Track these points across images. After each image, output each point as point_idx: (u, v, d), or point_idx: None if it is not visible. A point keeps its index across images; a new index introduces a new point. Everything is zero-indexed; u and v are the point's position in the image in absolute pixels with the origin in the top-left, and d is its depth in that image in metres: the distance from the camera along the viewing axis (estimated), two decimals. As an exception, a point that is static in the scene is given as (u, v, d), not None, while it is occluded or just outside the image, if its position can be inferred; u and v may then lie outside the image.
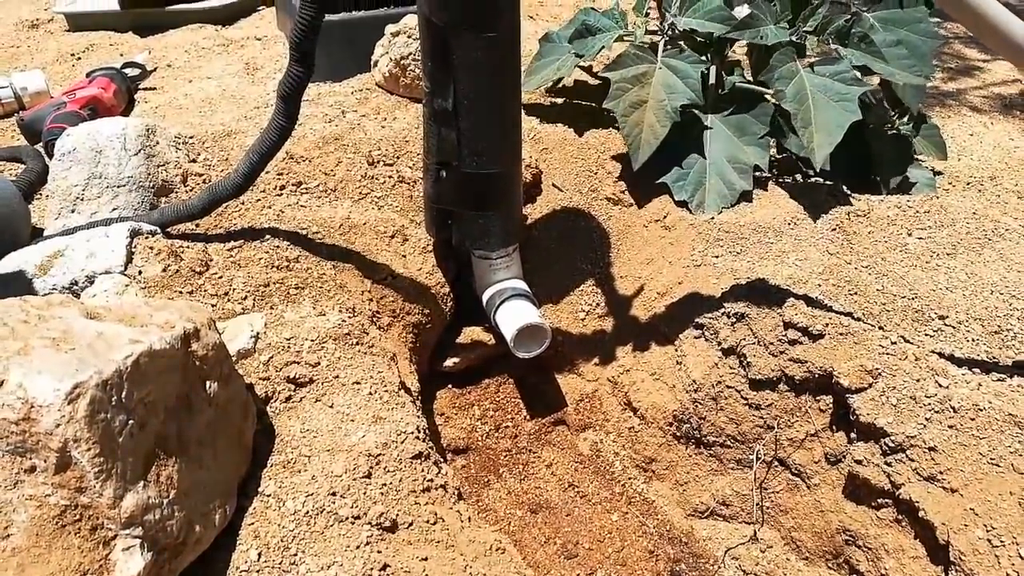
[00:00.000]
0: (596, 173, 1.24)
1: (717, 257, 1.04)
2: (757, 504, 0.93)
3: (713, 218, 1.10)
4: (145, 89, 1.49)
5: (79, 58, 1.72)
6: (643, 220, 1.17)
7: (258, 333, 0.85)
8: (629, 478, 1.02)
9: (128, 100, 1.43)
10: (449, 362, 1.12)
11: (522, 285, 1.08)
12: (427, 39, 0.95)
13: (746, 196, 1.14)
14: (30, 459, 0.50)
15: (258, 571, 0.62)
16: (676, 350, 1.01)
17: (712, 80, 1.26)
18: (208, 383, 0.63)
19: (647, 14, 1.34)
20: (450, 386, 1.12)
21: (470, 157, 0.98)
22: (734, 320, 0.94)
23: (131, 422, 0.53)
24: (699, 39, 1.26)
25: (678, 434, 0.99)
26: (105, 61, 1.61)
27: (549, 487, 1.03)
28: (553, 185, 1.23)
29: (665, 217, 1.14)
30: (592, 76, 1.51)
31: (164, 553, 0.54)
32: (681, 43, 1.24)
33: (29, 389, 0.49)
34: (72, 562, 0.50)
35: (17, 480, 0.50)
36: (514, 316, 1.03)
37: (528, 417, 1.12)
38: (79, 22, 1.90)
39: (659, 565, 0.92)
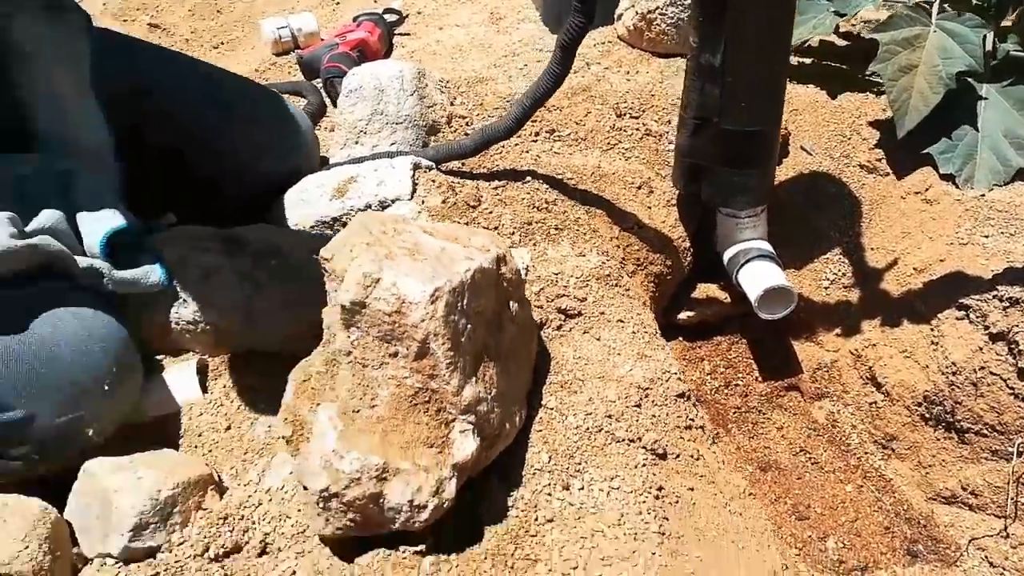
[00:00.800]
0: (849, 139, 1.20)
1: (987, 237, 0.99)
2: (1012, 499, 0.89)
3: (983, 195, 1.04)
4: (400, 34, 1.60)
5: (338, 3, 1.87)
6: (901, 191, 1.13)
7: (527, 266, 0.92)
8: (866, 452, 1.01)
9: (388, 44, 1.55)
10: (683, 315, 1.15)
11: (767, 246, 1.08)
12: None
13: (1022, 174, 1.06)
14: (395, 346, 0.58)
15: (549, 471, 0.68)
16: (933, 330, 0.97)
17: (989, 47, 1.17)
18: (511, 303, 0.70)
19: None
20: (681, 339, 1.15)
21: (732, 114, 0.99)
22: (1007, 304, 0.90)
23: (468, 327, 0.60)
24: (978, 1, 1.18)
25: (927, 416, 0.96)
26: (364, 7, 1.74)
27: (779, 449, 1.04)
28: (802, 147, 1.21)
29: (927, 190, 1.09)
30: (840, 37, 1.45)
31: (485, 441, 0.62)
32: (958, 5, 1.17)
33: (401, 288, 0.57)
34: (421, 435, 0.59)
35: (383, 362, 0.59)
36: (760, 277, 1.04)
37: (760, 379, 1.13)
38: (334, -30, 2.06)
39: (895, 542, 0.92)
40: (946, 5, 1.15)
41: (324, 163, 1.18)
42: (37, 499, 0.68)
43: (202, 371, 0.83)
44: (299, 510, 0.69)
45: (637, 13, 1.38)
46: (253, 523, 0.68)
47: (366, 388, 0.59)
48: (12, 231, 0.69)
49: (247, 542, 0.67)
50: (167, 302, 0.81)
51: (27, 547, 0.63)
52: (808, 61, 1.36)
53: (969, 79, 1.13)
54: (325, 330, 0.66)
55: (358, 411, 0.59)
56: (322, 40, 1.59)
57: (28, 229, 0.71)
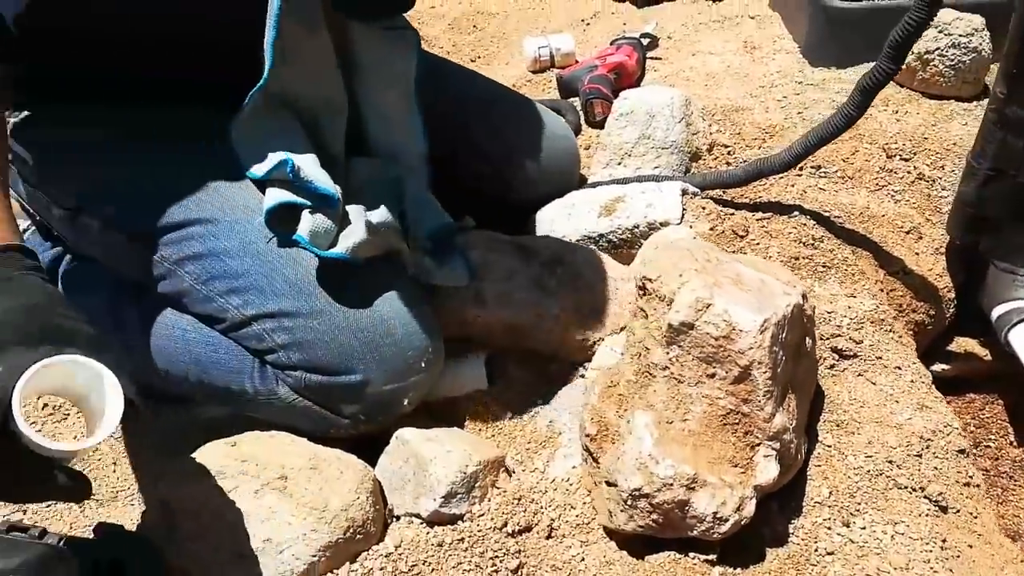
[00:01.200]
0: None
1: None
2: None
3: None
4: (653, 58, 1.66)
5: (588, 24, 1.96)
6: None
7: (797, 301, 0.94)
8: None
9: (642, 68, 1.60)
10: (937, 367, 1.11)
11: (1048, 308, 1.02)
12: (1018, 42, 0.93)
13: None
14: (714, 368, 0.63)
15: (829, 506, 0.70)
16: None
17: None
18: (806, 338, 0.72)
19: None
20: (933, 391, 1.12)
21: (1032, 166, 0.95)
22: None
23: (783, 358, 0.64)
24: None
25: None
26: (614, 28, 1.81)
27: (1036, 520, 0.99)
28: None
29: None
30: None
31: (783, 468, 0.65)
32: None
33: (732, 315, 0.61)
34: (727, 453, 0.63)
35: (699, 380, 0.63)
36: (1036, 338, 0.99)
37: (1015, 444, 1.07)
38: (582, -9, 2.16)
39: None
40: None
41: (583, 181, 1.25)
42: (355, 456, 0.80)
43: (489, 362, 0.92)
44: (584, 502, 0.75)
45: (913, 52, 1.34)
46: (541, 507, 0.75)
47: (680, 402, 0.64)
48: (368, 225, 0.80)
49: (536, 524, 0.74)
50: (467, 296, 0.91)
51: (358, 498, 0.74)
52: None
53: None
54: (632, 342, 0.71)
55: (671, 422, 0.64)
56: (577, 61, 1.67)
57: (374, 223, 0.83)
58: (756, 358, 0.61)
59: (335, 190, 0.77)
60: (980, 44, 1.31)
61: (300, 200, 0.76)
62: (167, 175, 0.81)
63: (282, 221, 0.77)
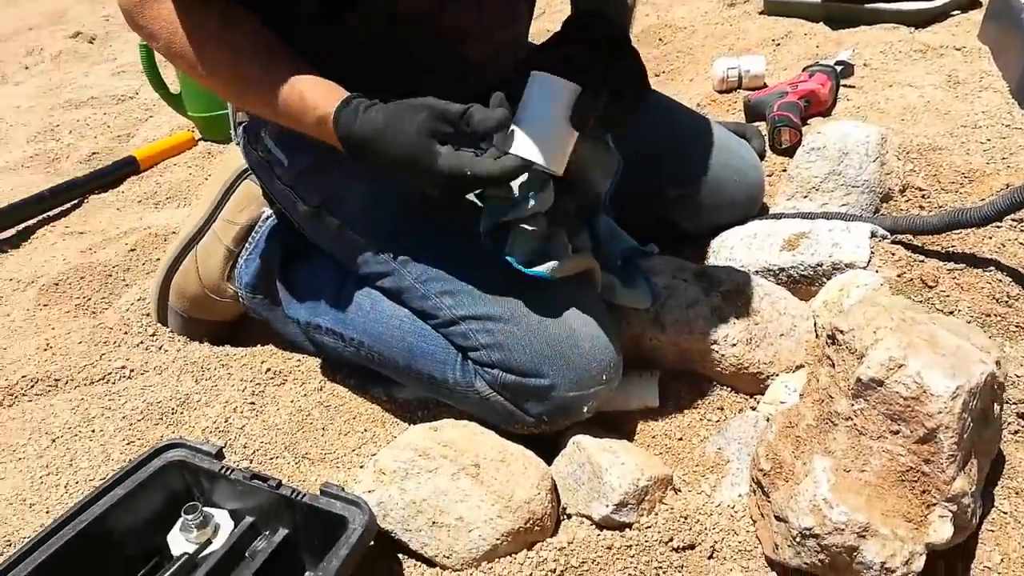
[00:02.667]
0: None
1: None
2: None
3: None
4: (847, 86, 1.63)
5: (778, 44, 1.94)
6: None
7: (985, 360, 0.92)
8: None
9: (835, 96, 1.58)
10: None
11: None
12: None
13: None
14: (898, 425, 0.65)
15: (998, 573, 0.71)
16: None
17: None
18: (995, 404, 0.73)
19: None
20: None
21: None
22: None
23: (971, 424, 0.65)
24: None
25: None
26: (815, 56, 1.79)
27: None
28: None
29: None
30: None
31: (957, 530, 0.66)
32: None
33: (925, 378, 0.64)
34: (901, 508, 0.66)
35: (882, 435, 0.66)
36: None
37: None
38: (774, 8, 2.13)
39: None
40: None
41: (764, 209, 1.27)
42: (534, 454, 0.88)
43: (661, 382, 0.98)
44: (748, 530, 0.80)
45: None
46: (706, 529, 0.80)
47: (859, 453, 0.67)
48: (569, 248, 0.88)
49: (700, 543, 0.79)
50: (647, 319, 0.97)
51: (539, 493, 0.82)
52: None
53: None
54: (815, 387, 0.75)
55: (848, 471, 0.67)
56: (766, 84, 1.67)
57: (574, 246, 0.91)
58: (944, 422, 0.63)
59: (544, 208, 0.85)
60: None
61: (512, 216, 0.85)
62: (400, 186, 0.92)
63: (495, 236, 0.86)
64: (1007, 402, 0.86)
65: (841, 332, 0.71)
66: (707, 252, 1.19)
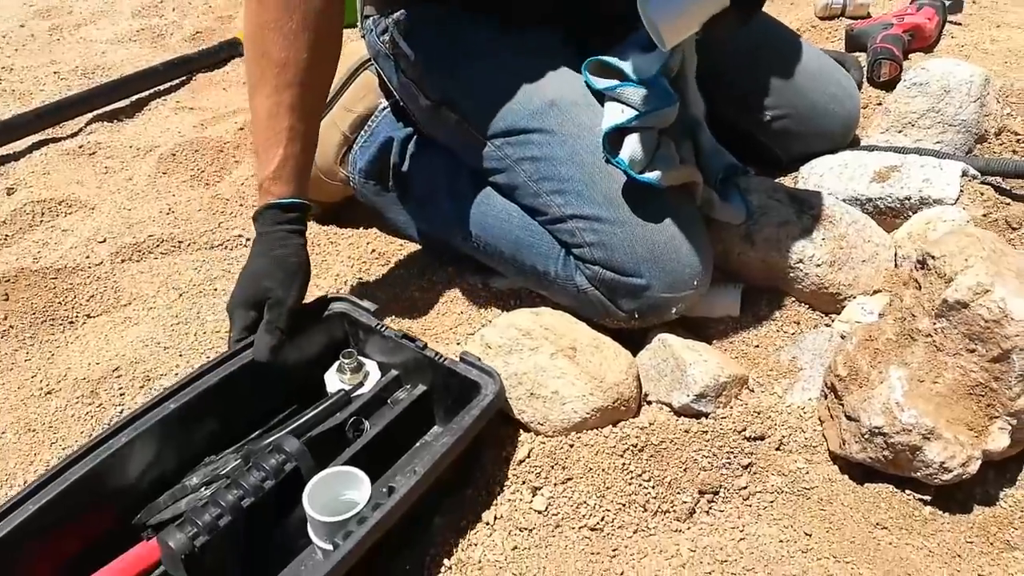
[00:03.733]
0: None
1: None
2: None
3: None
4: (953, 23, 1.61)
5: (885, -26, 1.89)
6: None
7: None
8: None
9: (939, 33, 1.57)
10: None
11: None
12: None
13: None
14: (975, 344, 0.72)
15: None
16: None
17: None
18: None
19: None
20: None
21: None
22: None
23: (1043, 351, 0.71)
24: None
25: None
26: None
27: None
28: None
29: None
30: None
31: (1013, 444, 0.74)
32: None
33: (1008, 304, 0.70)
34: (966, 418, 0.73)
35: (958, 352, 0.73)
36: None
37: None
38: (885, -66, 2.06)
39: None
40: None
41: (856, 141, 1.30)
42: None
43: (744, 293, 1.05)
44: (815, 429, 0.88)
45: None
46: (776, 424, 0.89)
47: (934, 367, 0.74)
48: (677, 157, 0.94)
49: (769, 436, 0.88)
50: (739, 233, 1.03)
51: (627, 378, 0.91)
52: None
53: None
54: (898, 307, 0.81)
55: (922, 381, 0.74)
56: (870, 15, 1.66)
57: (681, 156, 0.96)
58: (1019, 344, 0.69)
59: (674, 96, 0.91)
60: None
61: (628, 123, 0.91)
62: (522, 87, 0.98)
63: (610, 140, 0.92)
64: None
65: (932, 257, 0.77)
66: (797, 178, 1.23)
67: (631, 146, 0.91)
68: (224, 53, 1.86)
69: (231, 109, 1.65)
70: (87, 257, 1.23)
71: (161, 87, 1.76)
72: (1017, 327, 0.69)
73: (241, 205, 1.34)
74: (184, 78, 1.80)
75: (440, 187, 1.11)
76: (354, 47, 1.28)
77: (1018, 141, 1.23)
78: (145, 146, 1.54)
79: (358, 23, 1.16)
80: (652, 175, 0.91)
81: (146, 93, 1.74)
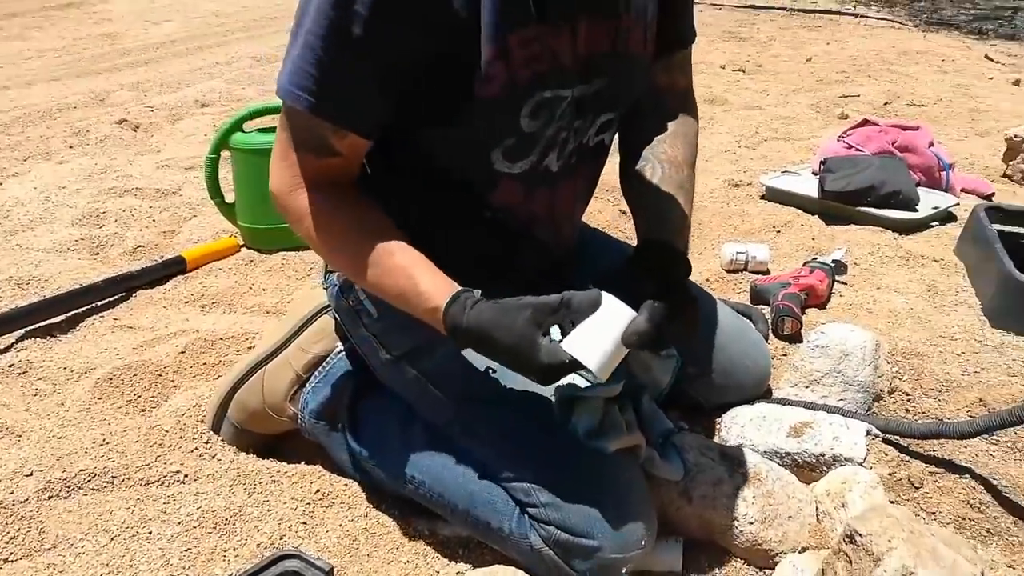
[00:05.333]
0: None
1: None
2: None
3: None
4: (840, 282, 1.84)
5: (779, 231, 2.17)
6: None
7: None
8: None
9: (830, 292, 1.79)
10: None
11: None
12: None
13: None
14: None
15: None
16: None
17: None
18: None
19: None
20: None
21: None
22: None
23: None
24: None
25: None
26: (811, 250, 2.01)
27: None
28: None
29: None
30: None
31: None
32: None
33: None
34: None
35: (891, 633, 0.79)
36: None
37: None
38: (775, 195, 2.39)
39: None
40: None
41: (768, 392, 1.43)
42: None
43: (684, 547, 1.10)
44: None
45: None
46: None
47: (871, 645, 0.80)
48: (626, 424, 1.02)
49: None
50: (676, 490, 1.10)
51: None
52: None
53: None
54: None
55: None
56: (769, 271, 1.88)
57: (628, 423, 1.05)
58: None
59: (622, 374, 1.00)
60: None
61: (582, 393, 0.99)
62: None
63: (563, 407, 1.00)
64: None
65: (860, 535, 0.85)
66: (719, 425, 1.33)
67: (583, 414, 0.99)
68: (167, 271, 1.89)
69: (171, 330, 1.66)
70: (11, 493, 1.18)
71: (98, 303, 1.77)
72: None
73: (181, 437, 1.32)
74: (123, 294, 1.81)
75: (392, 434, 1.15)
76: (314, 292, 1.36)
77: (908, 400, 1.39)
78: (80, 367, 1.52)
79: (321, 277, 1.24)
80: (603, 441, 0.99)
81: (82, 309, 1.73)
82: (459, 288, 0.93)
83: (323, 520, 1.18)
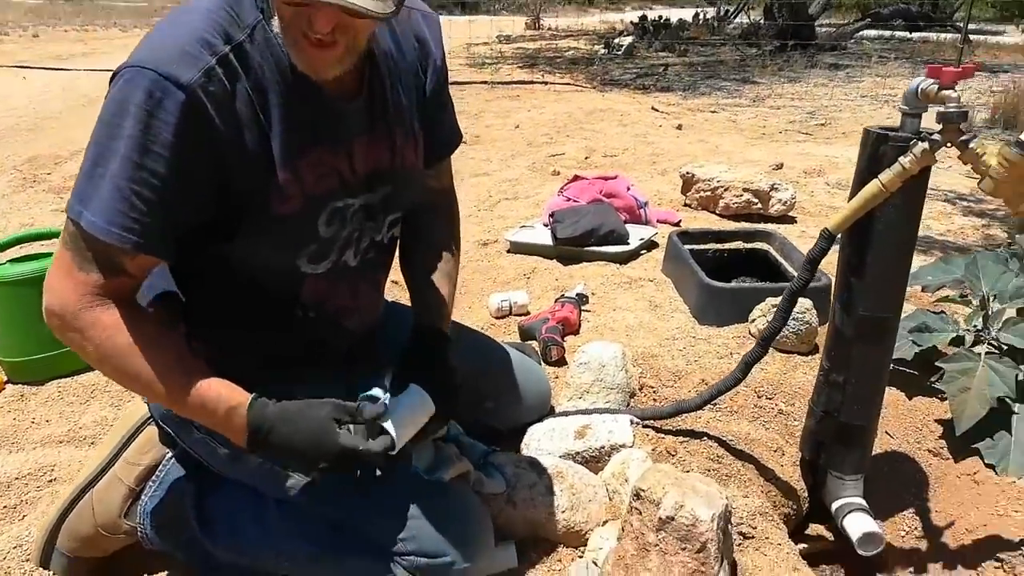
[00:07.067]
0: (921, 430, 1.71)
1: (1016, 512, 1.45)
2: None
3: (1015, 481, 1.52)
4: (586, 311, 2.22)
5: (529, 278, 2.54)
6: (957, 472, 1.61)
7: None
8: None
9: (579, 319, 2.16)
10: (799, 547, 1.61)
11: (863, 502, 1.55)
12: (835, 343, 1.52)
13: (1047, 470, 1.55)
14: (685, 544, 1.09)
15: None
16: (977, 574, 1.42)
17: (1021, 378, 1.71)
18: (728, 525, 1.20)
19: (976, 323, 1.83)
20: (801, 563, 1.60)
21: (848, 413, 1.51)
22: (1034, 561, 1.35)
23: (722, 537, 1.10)
24: (1014, 349, 1.73)
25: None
26: (558, 287, 2.39)
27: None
28: (886, 433, 1.72)
29: (975, 473, 1.58)
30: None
31: (726, 607, 1.10)
32: (997, 350, 1.72)
33: (696, 511, 1.08)
34: (695, 598, 1.07)
35: (677, 552, 1.09)
36: (859, 524, 1.50)
37: (855, 602, 1.56)
38: (519, 248, 2.77)
39: None
40: (990, 349, 1.70)
41: (551, 409, 1.73)
42: None
43: (516, 546, 1.33)
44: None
45: (766, 321, 1.97)
46: (573, 644, 1.15)
47: (667, 568, 1.09)
48: (455, 458, 1.24)
49: (571, 655, 1.13)
50: (502, 499, 1.34)
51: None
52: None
53: (1007, 399, 1.65)
54: (629, 529, 1.16)
55: (662, 578, 1.08)
56: (529, 312, 2.22)
57: (457, 456, 1.26)
58: (710, 537, 1.07)
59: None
60: (811, 318, 1.96)
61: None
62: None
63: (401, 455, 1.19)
64: (732, 524, 1.35)
65: (643, 491, 1.14)
66: (521, 444, 1.59)
67: (421, 455, 1.19)
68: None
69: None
70: None
71: None
72: (706, 525, 1.08)
73: None
74: None
75: (247, 521, 1.25)
76: (129, 411, 1.40)
77: (653, 391, 1.77)
78: None
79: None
80: (439, 473, 1.19)
81: None
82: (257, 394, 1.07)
83: (190, 617, 1.24)
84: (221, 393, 1.05)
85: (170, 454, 1.35)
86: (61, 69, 8.73)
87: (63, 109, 6.17)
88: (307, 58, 1.01)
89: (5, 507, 1.50)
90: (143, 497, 1.32)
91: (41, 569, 1.32)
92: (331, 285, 1.23)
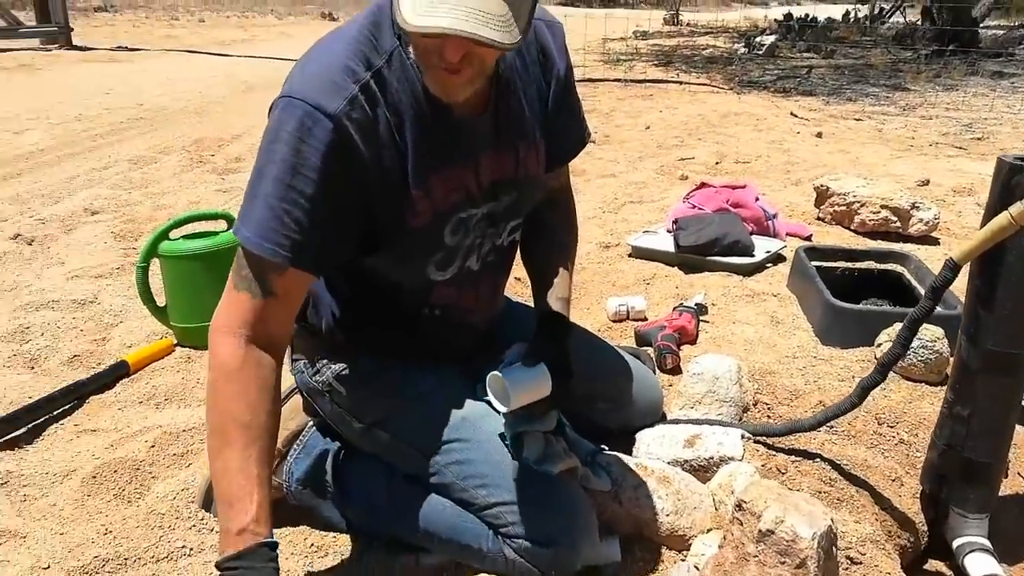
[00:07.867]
0: (1055, 474, 1.64)
1: None
2: None
3: None
4: (704, 322, 2.24)
5: (648, 283, 2.58)
6: (1095, 522, 1.53)
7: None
8: None
9: (697, 330, 2.18)
10: (915, 579, 1.58)
11: (987, 543, 1.51)
12: (960, 375, 1.48)
13: None
14: (784, 558, 1.12)
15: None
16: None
17: None
18: (833, 547, 1.22)
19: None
20: (910, 598, 1.58)
21: (971, 447, 1.48)
22: None
23: (823, 556, 1.13)
24: None
25: None
26: (677, 296, 2.42)
27: None
28: (1019, 474, 1.66)
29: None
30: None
31: (823, 625, 1.12)
32: None
33: (797, 529, 1.11)
34: (792, 612, 1.11)
35: (775, 565, 1.12)
36: (980, 565, 1.46)
37: (969, 640, 1.52)
38: (640, 253, 2.81)
39: None
40: None
41: (663, 416, 1.77)
42: None
43: (620, 541, 1.39)
44: (695, 640, 1.21)
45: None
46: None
47: (765, 578, 1.13)
48: (565, 451, 1.32)
49: (666, 651, 1.19)
50: (609, 497, 1.41)
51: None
52: None
53: None
54: (731, 539, 1.21)
55: (760, 590, 1.12)
56: (646, 318, 2.26)
57: (567, 451, 1.34)
58: (810, 554, 1.10)
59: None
60: (941, 347, 1.90)
61: (525, 429, 1.28)
62: (441, 409, 1.33)
63: (515, 444, 1.29)
64: (840, 548, 1.36)
65: (745, 502, 1.18)
66: (631, 447, 1.65)
67: (531, 446, 1.28)
68: (113, 375, 2.03)
69: (135, 429, 1.81)
70: (34, 586, 1.31)
71: (53, 413, 1.88)
72: (806, 543, 1.11)
73: (177, 518, 1.49)
74: (74, 402, 1.93)
75: (378, 491, 1.39)
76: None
77: (768, 408, 1.78)
78: (60, 471, 1.64)
79: (289, 363, 1.46)
80: (548, 466, 1.28)
81: (39, 420, 1.84)
82: (267, 540, 1.05)
83: (322, 567, 1.39)
84: (248, 509, 1.05)
85: (311, 422, 1.51)
86: (224, 55, 9.47)
87: (226, 94, 6.71)
88: (439, 83, 1.10)
89: (174, 455, 1.72)
90: (288, 458, 1.49)
91: (203, 511, 1.52)
92: (456, 288, 1.34)
